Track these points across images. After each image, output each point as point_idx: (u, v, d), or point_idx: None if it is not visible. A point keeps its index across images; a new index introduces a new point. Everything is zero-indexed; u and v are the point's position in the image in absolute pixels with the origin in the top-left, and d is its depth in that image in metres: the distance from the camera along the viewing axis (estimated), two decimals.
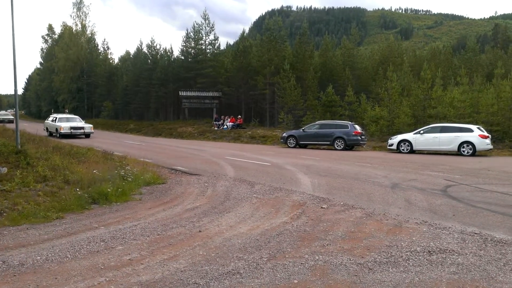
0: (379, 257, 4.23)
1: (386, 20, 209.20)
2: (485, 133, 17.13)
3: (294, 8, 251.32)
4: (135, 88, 45.38)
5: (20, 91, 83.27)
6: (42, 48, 70.20)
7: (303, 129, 21.07)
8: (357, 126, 20.08)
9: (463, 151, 16.71)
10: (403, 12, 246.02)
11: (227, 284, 3.53)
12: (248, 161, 13.41)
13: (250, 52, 37.24)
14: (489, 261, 4.14)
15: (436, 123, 20.14)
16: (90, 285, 3.51)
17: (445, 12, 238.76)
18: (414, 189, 8.30)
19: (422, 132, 18.06)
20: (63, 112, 37.90)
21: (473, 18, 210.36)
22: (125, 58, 58.01)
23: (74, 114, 31.86)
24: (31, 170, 8.05)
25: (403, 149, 18.16)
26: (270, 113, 34.97)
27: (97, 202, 6.81)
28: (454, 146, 17.05)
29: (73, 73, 55.42)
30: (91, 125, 25.92)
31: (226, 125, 30.92)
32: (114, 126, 40.78)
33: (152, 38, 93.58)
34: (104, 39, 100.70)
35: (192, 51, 41.30)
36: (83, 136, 24.65)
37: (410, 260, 4.15)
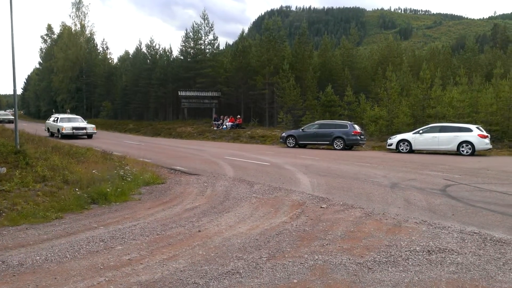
0: (379, 256, 4.24)
1: (385, 20, 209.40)
2: (484, 133, 17.15)
3: (293, 8, 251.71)
4: (134, 88, 45.36)
5: (19, 91, 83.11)
6: (41, 48, 70.29)
7: (302, 129, 21.08)
8: (356, 126, 20.09)
9: (462, 151, 16.73)
10: (402, 12, 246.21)
11: (227, 284, 3.53)
12: (247, 161, 13.41)
13: (250, 52, 37.24)
14: (488, 260, 4.15)
15: (435, 123, 20.16)
16: (89, 285, 3.51)
17: (444, 12, 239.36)
18: (414, 188, 8.31)
19: (421, 132, 18.07)
20: (65, 112, 37.78)
21: (472, 18, 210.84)
22: (124, 58, 58.01)
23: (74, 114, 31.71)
24: (30, 170, 8.04)
25: (402, 149, 18.17)
26: (269, 113, 34.97)
27: (96, 202, 6.81)
28: (453, 146, 17.07)
29: (72, 73, 55.38)
30: (93, 126, 25.28)
31: (226, 125, 30.92)
32: (113, 126, 40.76)
33: (151, 38, 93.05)
34: (103, 39, 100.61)
35: (192, 51, 41.27)
36: (86, 136, 24.16)
37: (410, 259, 4.15)
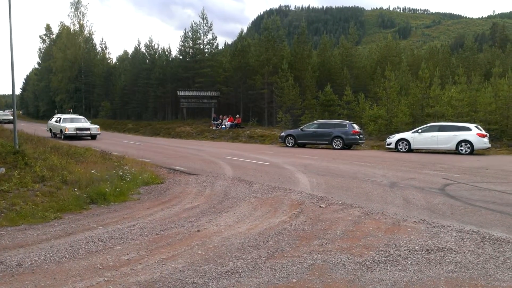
0: (378, 256, 4.24)
1: (384, 19, 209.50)
2: (483, 132, 17.17)
3: (292, 8, 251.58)
4: (133, 88, 45.30)
5: (18, 91, 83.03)
6: (40, 48, 70.06)
7: (301, 129, 21.08)
8: (355, 125, 20.10)
9: (461, 150, 16.75)
10: (401, 11, 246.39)
11: (226, 284, 3.53)
12: (246, 161, 13.41)
13: (248, 51, 37.23)
14: (487, 259, 4.15)
15: (434, 122, 20.17)
16: (88, 285, 3.51)
17: (443, 11, 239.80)
18: (412, 188, 8.31)
19: (420, 131, 18.09)
20: (66, 112, 37.67)
21: (471, 17, 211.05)
22: (123, 58, 57.86)
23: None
24: (29, 170, 8.03)
25: (401, 148, 18.19)
26: (268, 113, 34.98)
27: (95, 202, 6.80)
28: (452, 145, 17.09)
29: (71, 73, 55.28)
30: (97, 126, 24.51)
31: (225, 125, 30.91)
32: (112, 126, 40.70)
33: (150, 37, 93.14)
34: (102, 39, 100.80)
35: (190, 51, 41.23)
36: (89, 137, 23.32)
37: (409, 258, 4.16)
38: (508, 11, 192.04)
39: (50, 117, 32.15)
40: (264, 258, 4.19)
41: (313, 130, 20.40)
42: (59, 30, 61.09)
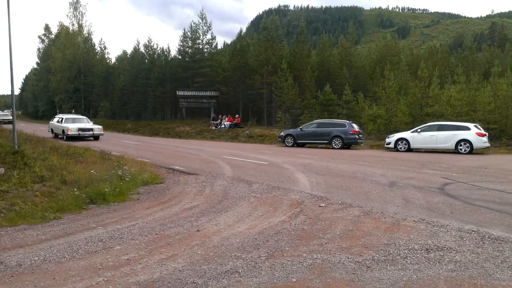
0: (377, 255, 4.24)
1: (383, 19, 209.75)
2: (482, 131, 17.18)
3: (291, 7, 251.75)
4: (132, 87, 45.27)
5: (16, 91, 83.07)
6: (39, 48, 69.95)
7: (300, 128, 21.09)
8: (354, 125, 20.11)
9: (461, 149, 16.77)
10: (400, 11, 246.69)
11: (226, 283, 3.53)
12: (246, 160, 13.41)
13: (248, 51, 37.20)
14: (486, 258, 4.16)
15: (433, 121, 20.19)
16: (88, 285, 3.50)
17: (442, 11, 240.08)
18: (412, 187, 8.32)
19: (419, 130, 18.10)
20: (66, 112, 37.49)
21: (470, 16, 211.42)
22: (122, 58, 57.85)
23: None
24: (28, 170, 8.02)
25: (400, 148, 18.20)
26: (267, 112, 34.97)
27: (94, 202, 6.79)
28: (451, 144, 17.10)
29: (70, 73, 55.21)
30: (100, 127, 23.90)
31: (224, 125, 30.91)
32: (112, 126, 40.65)
33: (149, 37, 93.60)
34: (101, 39, 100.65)
35: (190, 51, 41.21)
36: (92, 138, 22.79)
37: (408, 258, 4.16)
38: (507, 11, 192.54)
39: (49, 117, 32.00)
40: (264, 257, 4.19)
41: (312, 130, 20.40)
42: (58, 30, 61.03)
